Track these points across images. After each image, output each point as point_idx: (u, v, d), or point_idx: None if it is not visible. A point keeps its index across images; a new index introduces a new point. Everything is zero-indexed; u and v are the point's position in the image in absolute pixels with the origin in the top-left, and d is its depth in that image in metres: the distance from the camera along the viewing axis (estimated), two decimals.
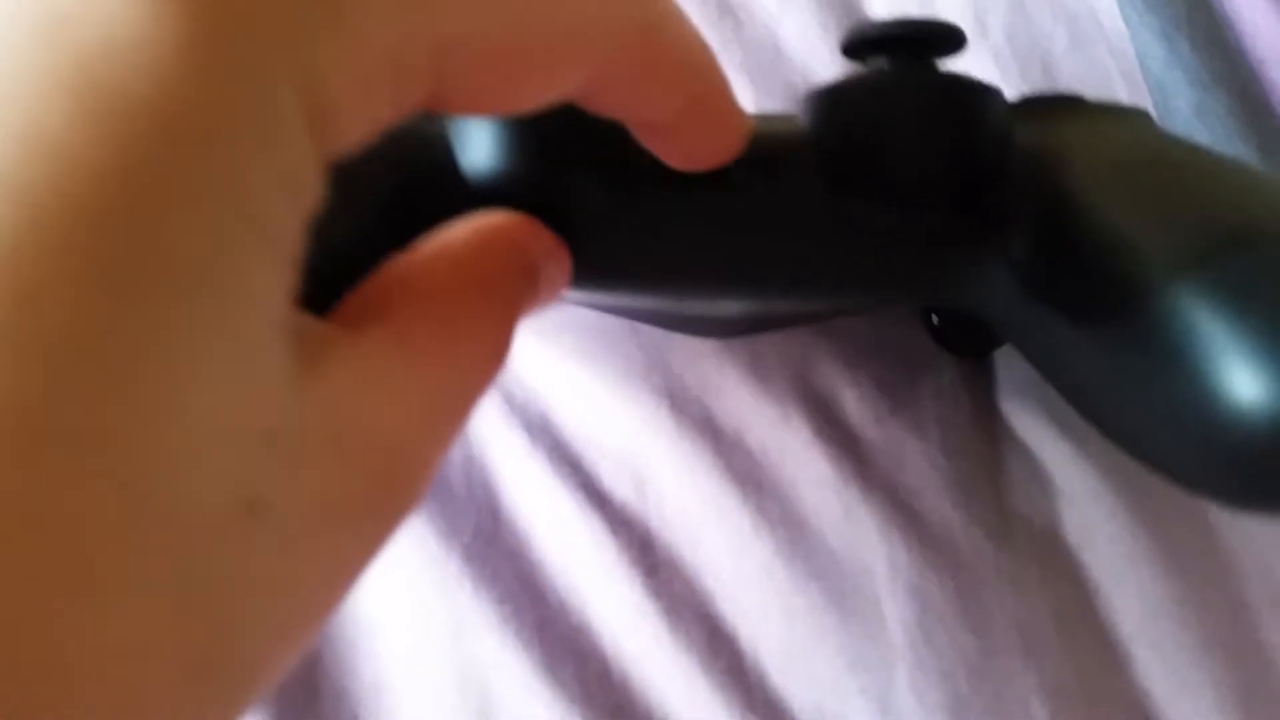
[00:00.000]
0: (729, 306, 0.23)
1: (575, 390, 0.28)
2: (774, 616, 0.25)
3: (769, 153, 0.19)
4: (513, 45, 0.12)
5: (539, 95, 0.14)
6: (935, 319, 0.28)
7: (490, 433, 0.28)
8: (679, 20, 0.14)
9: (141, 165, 0.09)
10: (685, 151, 0.16)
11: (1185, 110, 0.32)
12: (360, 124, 0.12)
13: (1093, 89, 0.33)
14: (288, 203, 0.11)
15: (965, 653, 0.25)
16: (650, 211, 0.19)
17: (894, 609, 0.25)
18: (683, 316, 0.25)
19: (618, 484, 0.27)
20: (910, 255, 0.20)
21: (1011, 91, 0.21)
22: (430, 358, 0.13)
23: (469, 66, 0.12)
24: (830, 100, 0.20)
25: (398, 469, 0.13)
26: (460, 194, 0.19)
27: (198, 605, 0.09)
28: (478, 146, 0.19)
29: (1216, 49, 0.33)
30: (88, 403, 0.09)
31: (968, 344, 0.28)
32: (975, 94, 0.20)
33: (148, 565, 0.09)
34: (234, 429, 0.10)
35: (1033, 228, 0.19)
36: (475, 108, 0.13)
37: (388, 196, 0.18)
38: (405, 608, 0.25)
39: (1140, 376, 0.16)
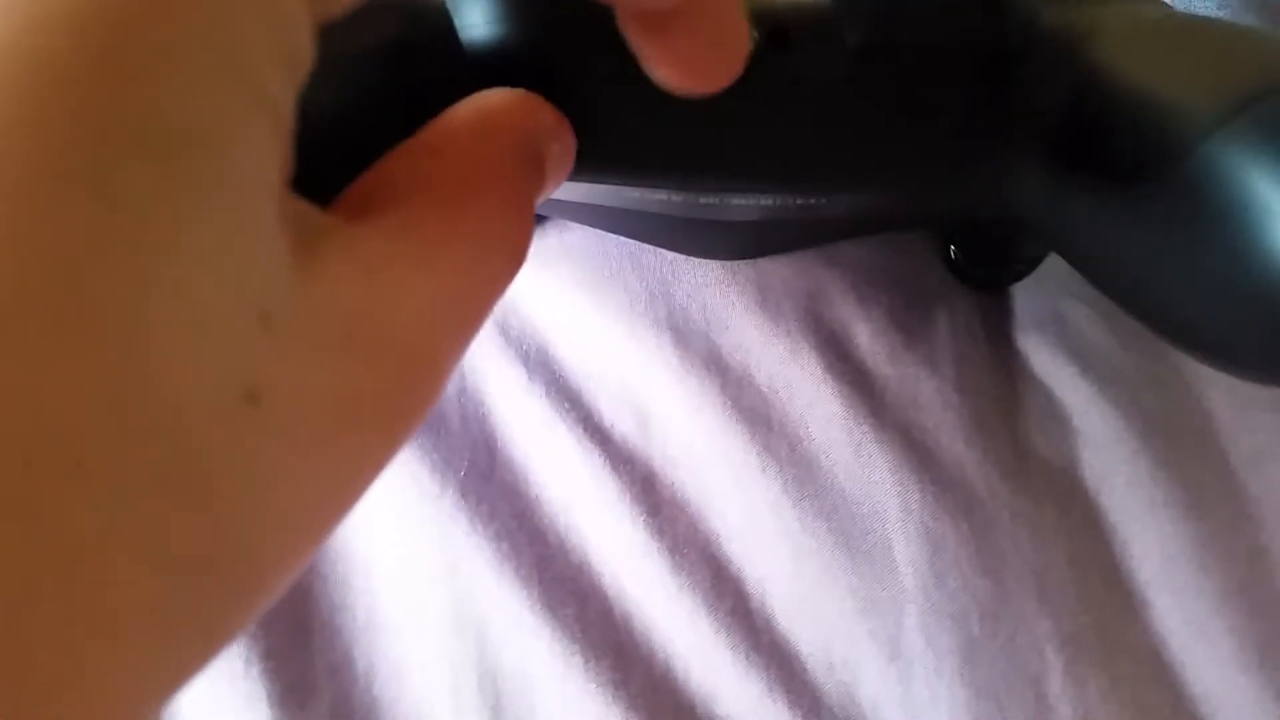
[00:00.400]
0: (742, 205, 0.21)
1: (574, 322, 0.27)
2: (781, 557, 0.24)
3: (789, 21, 0.18)
4: None
5: None
6: (953, 251, 0.27)
7: (486, 364, 0.27)
8: None
9: (124, 16, 0.08)
10: (677, 58, 0.15)
11: None
12: None
13: None
14: (281, 63, 0.10)
15: (978, 596, 0.24)
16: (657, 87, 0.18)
17: (905, 551, 0.24)
18: (685, 226, 0.24)
19: (619, 420, 0.26)
20: (939, 133, 0.19)
21: None
22: (443, 251, 0.12)
23: None
24: None
25: (410, 369, 0.12)
26: (459, 68, 0.17)
27: (195, 497, 0.09)
28: (476, 12, 0.18)
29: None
30: (70, 275, 0.08)
31: (985, 276, 0.27)
32: None
33: (140, 453, 0.08)
34: (229, 308, 0.09)
35: (1064, 100, 0.18)
36: None
37: (383, 69, 0.17)
38: (398, 544, 0.24)
39: (1177, 229, 0.16)
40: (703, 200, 0.21)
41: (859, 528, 0.25)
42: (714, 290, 0.27)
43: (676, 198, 0.21)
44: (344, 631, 0.24)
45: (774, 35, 0.18)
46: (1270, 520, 0.25)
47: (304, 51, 0.10)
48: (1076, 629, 0.24)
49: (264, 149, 0.10)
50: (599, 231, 0.28)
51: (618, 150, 0.19)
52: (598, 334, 0.27)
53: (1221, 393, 0.26)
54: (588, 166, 0.18)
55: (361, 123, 0.14)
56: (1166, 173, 0.16)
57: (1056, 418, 0.26)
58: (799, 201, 0.21)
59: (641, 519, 0.25)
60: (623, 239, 0.28)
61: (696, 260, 0.27)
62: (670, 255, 0.28)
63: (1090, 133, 0.18)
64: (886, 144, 0.19)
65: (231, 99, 0.09)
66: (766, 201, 0.21)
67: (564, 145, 0.16)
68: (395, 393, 0.11)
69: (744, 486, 0.25)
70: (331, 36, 0.11)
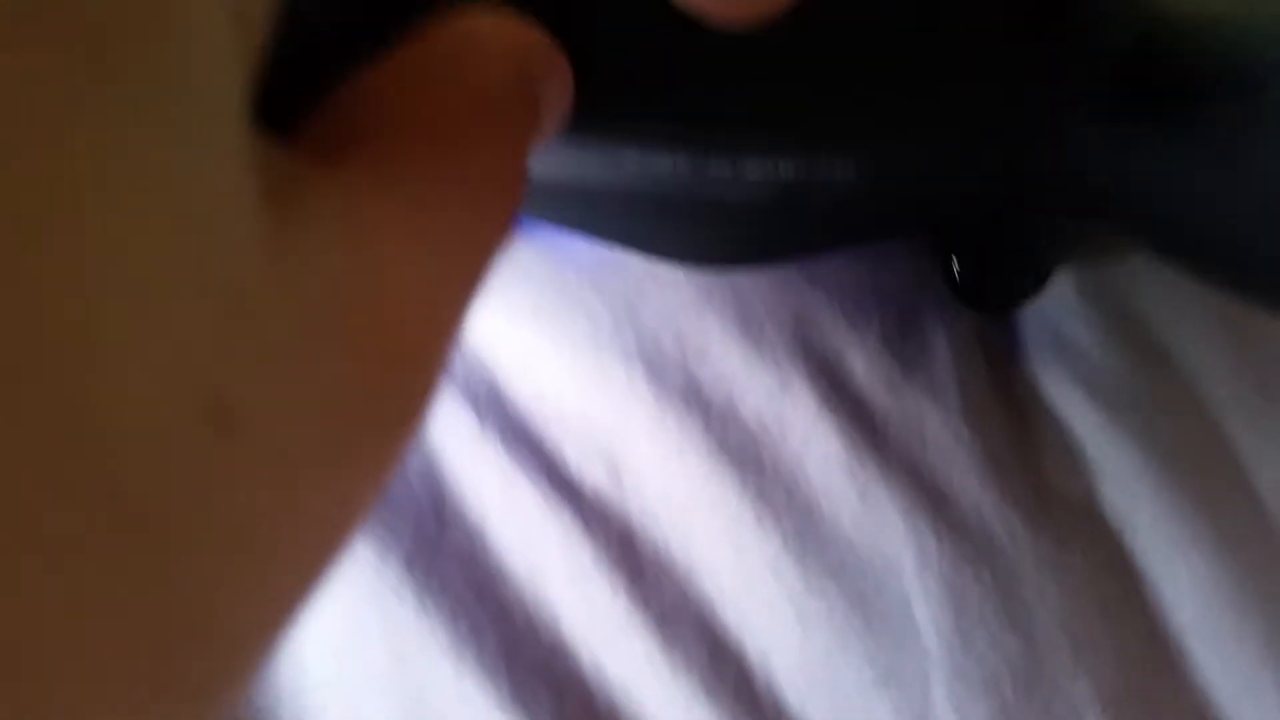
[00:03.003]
0: (756, 181, 0.19)
1: (530, 356, 0.24)
2: (786, 624, 0.21)
3: None
4: None
5: None
6: (955, 269, 0.24)
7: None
8: None
9: None
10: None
11: None
12: None
13: None
14: None
15: (1009, 657, 0.21)
16: (676, 13, 0.15)
17: (926, 609, 0.21)
18: (680, 212, 0.21)
19: (588, 469, 0.22)
20: (993, 66, 0.17)
21: None
22: (438, 203, 0.10)
23: None
24: None
25: (410, 355, 0.10)
26: None
27: (148, 569, 0.07)
28: None
29: None
30: None
31: (992, 295, 0.24)
32: None
33: (71, 500, 0.06)
34: (184, 296, 0.07)
35: (1129, 37, 0.17)
36: None
37: None
38: (334, 631, 0.20)
39: (1255, 164, 0.15)
40: (711, 170, 0.18)
41: (872, 584, 0.22)
42: (688, 314, 0.24)
43: (682, 166, 0.18)
44: None
45: None
46: None
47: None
48: (1116, 690, 0.21)
49: (222, 52, 0.07)
50: (552, 248, 0.24)
51: (624, 92, 0.16)
52: (558, 368, 0.23)
53: (1241, 418, 0.24)
54: (587, 114, 0.15)
55: (326, 26, 0.11)
56: (1246, 102, 0.15)
57: (1069, 450, 0.24)
58: (821, 176, 0.18)
59: (622, 586, 0.21)
60: (581, 258, 0.24)
61: (666, 280, 0.24)
62: (635, 275, 0.24)
63: (1163, 64, 0.17)
64: (928, 83, 0.17)
65: None
66: (785, 175, 0.18)
67: (561, 85, 0.13)
68: (394, 388, 0.10)
69: (738, 541, 0.22)
70: None
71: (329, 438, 0.08)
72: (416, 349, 0.10)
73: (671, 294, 0.24)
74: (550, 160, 0.15)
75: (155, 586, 0.07)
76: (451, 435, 0.22)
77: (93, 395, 0.06)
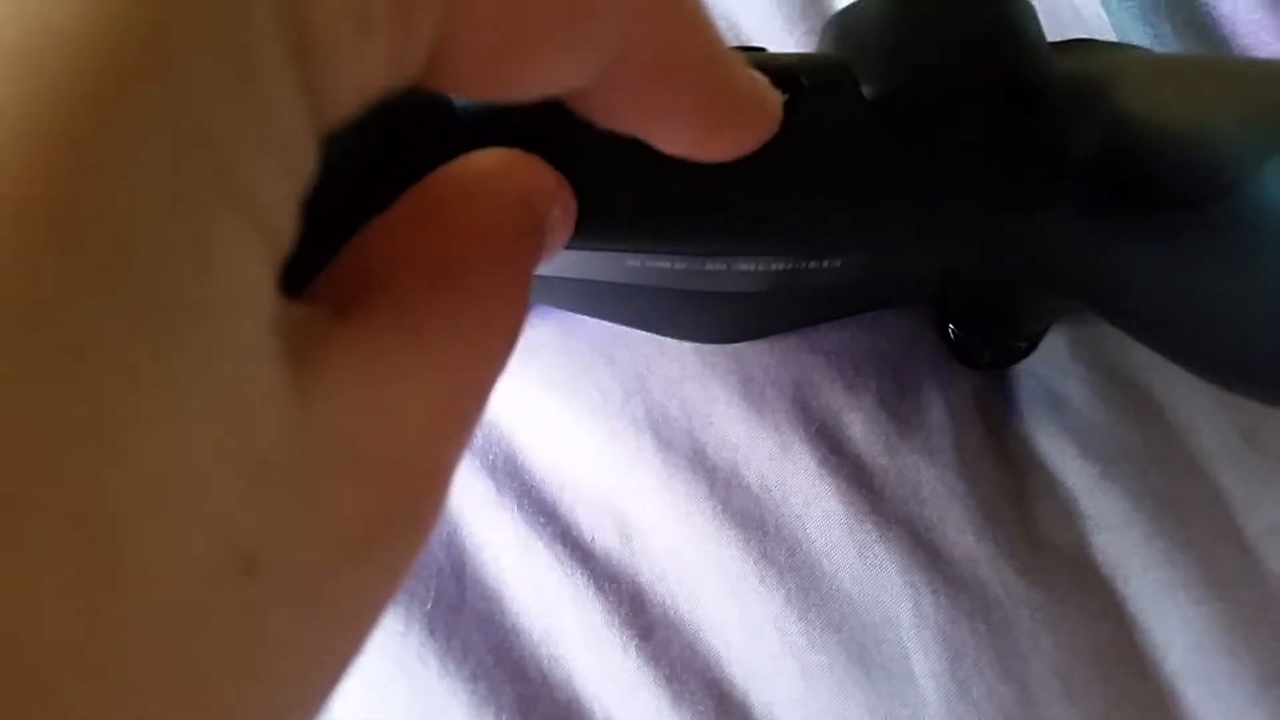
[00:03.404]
0: (749, 272, 0.20)
1: (545, 426, 0.25)
2: (790, 678, 0.22)
3: (801, 70, 0.17)
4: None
5: (544, 77, 0.11)
6: (951, 330, 0.25)
7: None
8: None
9: (77, 113, 0.07)
10: (690, 140, 0.14)
11: None
12: (352, 81, 0.09)
13: (1053, 34, 0.32)
14: (273, 163, 0.08)
15: (1004, 704, 0.22)
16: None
17: (924, 661, 0.22)
18: (681, 300, 0.22)
19: (600, 532, 0.24)
20: (963, 181, 0.18)
21: None
22: (442, 343, 0.11)
23: (472, 31, 0.10)
24: (859, 16, 0.18)
25: (416, 487, 0.10)
26: (447, 127, 0.16)
27: (189, 699, 0.07)
28: None
29: (1198, 34, 0.31)
30: (25, 458, 0.06)
31: (987, 355, 0.25)
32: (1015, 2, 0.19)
33: (122, 666, 0.07)
34: (219, 467, 0.08)
35: (1095, 141, 0.18)
36: (463, 85, 0.11)
37: (363, 130, 0.15)
38: (359, 696, 0.22)
39: (1232, 264, 0.16)
40: (708, 267, 0.19)
41: (872, 638, 0.23)
42: (694, 383, 0.25)
43: (680, 265, 0.19)
44: None
45: (785, 86, 0.16)
46: None
47: (304, 149, 0.09)
48: None
49: (256, 269, 0.08)
50: (565, 325, 0.26)
51: (623, 213, 0.17)
52: (572, 438, 0.25)
53: (1229, 467, 0.25)
54: (589, 231, 0.16)
55: (340, 191, 0.12)
56: (1215, 205, 0.16)
57: (1063, 502, 0.25)
58: (811, 265, 0.19)
59: (634, 644, 0.22)
60: (592, 333, 0.26)
61: (672, 352, 0.26)
62: (643, 348, 0.26)
63: (1131, 171, 0.17)
64: (908, 196, 0.18)
65: (216, 213, 0.07)
66: (777, 266, 0.19)
67: (564, 210, 0.14)
68: (402, 518, 0.10)
69: (742, 600, 0.23)
70: None
71: (344, 560, 0.09)
72: (424, 475, 0.10)
73: (677, 365, 0.25)
74: (556, 260, 0.17)
75: (197, 710, 0.08)
76: (470, 502, 0.24)
77: (143, 566, 0.07)
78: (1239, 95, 0.17)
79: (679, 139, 0.13)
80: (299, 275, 0.11)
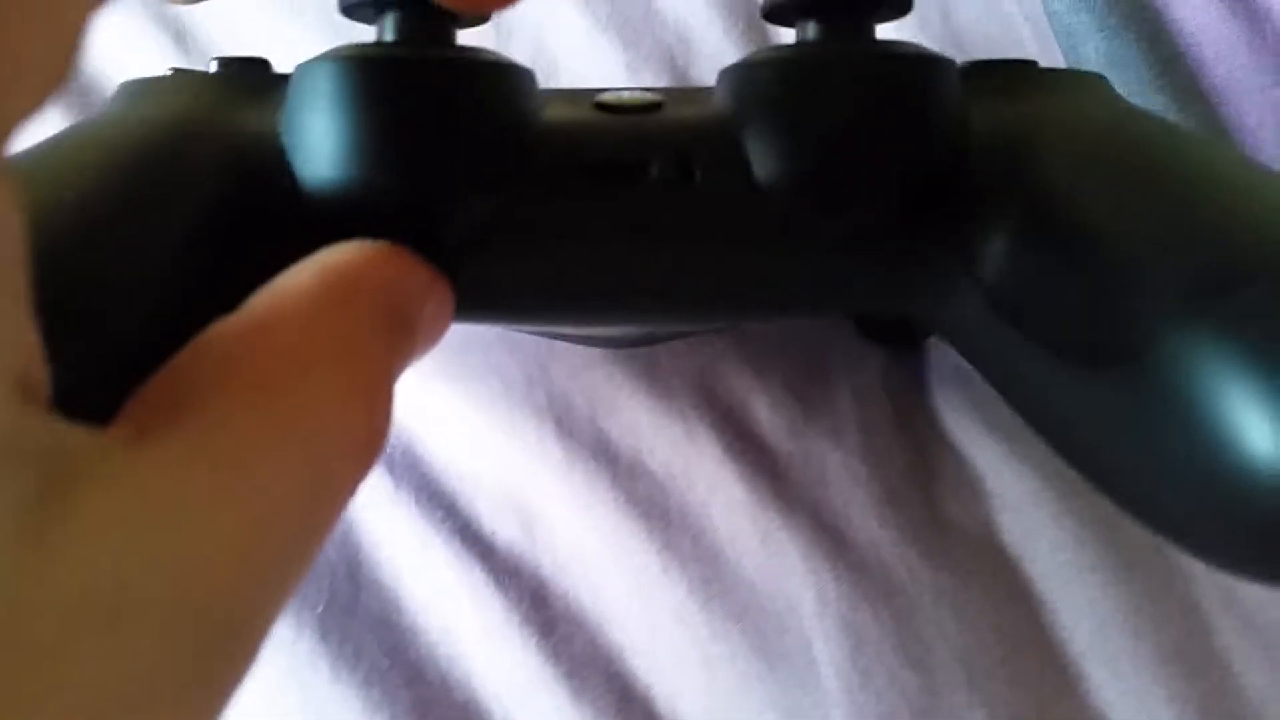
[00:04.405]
0: (635, 327, 0.19)
1: (443, 417, 0.24)
2: (692, 669, 0.22)
3: (682, 144, 0.16)
4: None
5: None
6: None
7: None
8: None
9: None
10: None
11: (1095, 59, 0.30)
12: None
13: (997, 35, 0.30)
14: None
15: (906, 692, 0.22)
16: (547, 222, 0.16)
17: (825, 649, 0.22)
18: (571, 338, 0.21)
19: (501, 526, 0.23)
20: (855, 267, 0.17)
21: (911, 38, 0.18)
22: (262, 469, 0.10)
23: None
24: (752, 77, 0.16)
25: (211, 627, 0.09)
26: (301, 220, 0.14)
27: None
28: (323, 150, 0.14)
29: (1153, 41, 0.31)
30: None
31: (897, 334, 0.25)
32: (926, 67, 0.16)
33: None
34: None
35: (1001, 236, 0.16)
36: None
37: (189, 220, 0.14)
38: (248, 707, 0.21)
39: (1136, 423, 0.14)
40: (601, 330, 0.19)
41: (774, 626, 0.22)
42: (598, 372, 0.25)
43: (571, 330, 0.19)
44: None
45: (674, 167, 0.15)
46: (1200, 573, 0.23)
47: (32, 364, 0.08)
48: (1012, 716, 0.22)
49: None
50: None
51: (501, 299, 0.16)
52: (471, 429, 0.24)
53: None
54: (467, 316, 0.15)
55: (169, 300, 0.11)
56: (1123, 362, 0.14)
57: (969, 481, 0.24)
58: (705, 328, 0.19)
59: (534, 641, 0.22)
60: None
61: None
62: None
63: (1032, 285, 0.16)
64: (801, 281, 0.17)
65: None
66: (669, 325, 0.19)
67: (439, 303, 0.13)
68: (197, 669, 0.09)
69: (644, 591, 0.23)
70: (121, 175, 0.08)
71: (148, 710, 0.08)
72: (220, 628, 0.09)
73: (582, 354, 0.25)
74: None
75: None
76: (366, 498, 0.23)
77: None
78: (1167, 219, 0.15)
79: None
80: (124, 395, 0.10)
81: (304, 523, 0.10)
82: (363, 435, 0.11)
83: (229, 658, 0.09)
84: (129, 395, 0.10)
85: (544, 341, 0.25)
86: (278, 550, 0.10)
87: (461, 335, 0.25)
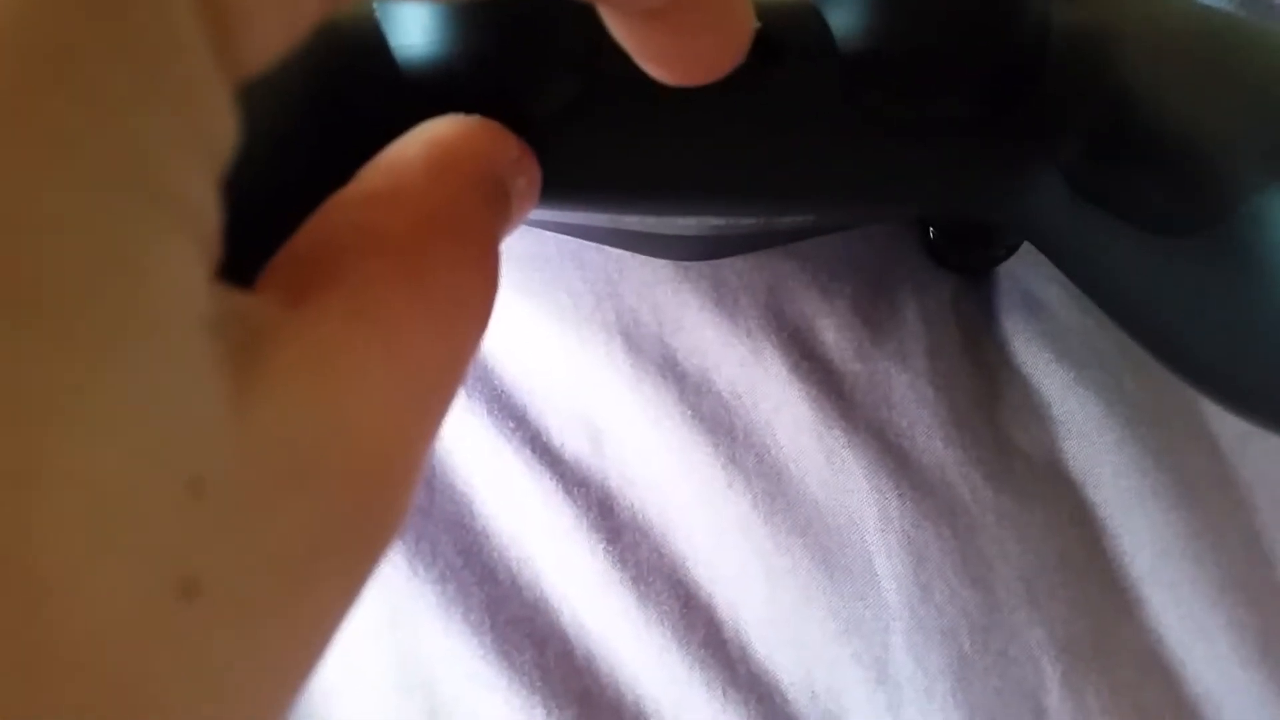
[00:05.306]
0: (717, 220, 0.19)
1: (514, 332, 0.25)
2: (754, 580, 0.22)
3: (775, 36, 0.16)
4: None
5: None
6: (931, 231, 0.25)
7: None
8: None
9: None
10: (676, 52, 0.12)
11: None
12: (277, 24, 0.08)
13: None
14: (198, 158, 0.07)
15: (967, 609, 0.22)
16: (631, 100, 0.16)
17: (887, 564, 0.22)
18: (643, 236, 0.21)
19: (570, 438, 0.24)
20: (943, 161, 0.17)
21: None
22: (409, 326, 0.10)
23: None
24: None
25: (379, 492, 0.09)
26: (397, 95, 0.15)
27: (119, 713, 0.07)
28: (414, 28, 0.15)
29: None
30: None
31: (968, 259, 0.25)
32: None
33: (57, 698, 0.06)
34: (148, 489, 0.07)
35: (1085, 126, 0.16)
36: None
37: (305, 103, 0.14)
38: None
39: (1218, 286, 0.14)
40: (678, 221, 0.19)
41: (836, 541, 0.23)
42: (665, 289, 0.25)
43: (649, 217, 0.19)
44: None
45: (763, 47, 0.15)
46: (1264, 505, 0.23)
47: (224, 130, 0.08)
48: (1071, 635, 0.22)
49: (185, 274, 0.07)
50: (535, 229, 0.25)
51: (588, 180, 0.16)
52: (541, 343, 0.25)
53: None
54: (553, 197, 0.15)
55: (284, 171, 0.11)
56: (1207, 226, 0.14)
57: (1035, 408, 0.24)
58: (785, 220, 0.19)
59: (601, 547, 0.23)
60: (562, 237, 0.25)
61: (643, 257, 0.25)
62: (616, 252, 0.25)
63: (1116, 167, 0.16)
64: (885, 164, 0.17)
65: (132, 215, 0.07)
66: (748, 221, 0.19)
67: (530, 178, 0.14)
68: (362, 527, 0.09)
69: (710, 504, 0.23)
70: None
71: (294, 577, 0.08)
72: (384, 482, 0.09)
73: (649, 270, 0.25)
74: None
75: None
76: None
77: (68, 602, 0.06)
78: (1243, 94, 0.15)
79: (654, 33, 0.12)
80: (248, 264, 0.10)
81: (445, 383, 0.10)
82: (484, 298, 0.11)
83: (385, 522, 0.10)
84: (252, 264, 0.10)
85: (612, 258, 0.25)
86: (426, 411, 0.10)
87: (530, 251, 0.25)
